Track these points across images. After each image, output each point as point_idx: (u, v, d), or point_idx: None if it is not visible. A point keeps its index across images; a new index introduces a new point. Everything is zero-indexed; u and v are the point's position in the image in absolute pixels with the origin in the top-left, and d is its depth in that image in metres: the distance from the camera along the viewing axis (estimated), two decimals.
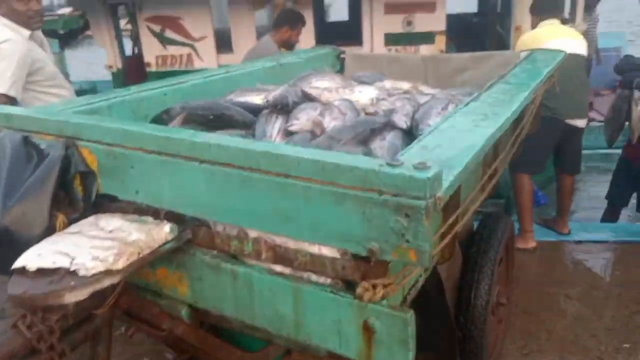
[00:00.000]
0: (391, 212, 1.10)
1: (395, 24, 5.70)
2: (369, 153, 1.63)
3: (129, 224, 1.43)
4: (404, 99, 2.14)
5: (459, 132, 1.52)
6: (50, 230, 1.50)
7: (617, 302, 3.17)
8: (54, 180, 1.51)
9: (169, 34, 6.12)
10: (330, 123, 1.95)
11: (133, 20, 6.64)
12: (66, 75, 9.61)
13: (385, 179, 1.09)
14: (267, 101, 2.06)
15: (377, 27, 5.77)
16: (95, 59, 7.03)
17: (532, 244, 3.77)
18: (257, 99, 2.37)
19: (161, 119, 2.21)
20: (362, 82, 2.71)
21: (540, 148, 3.57)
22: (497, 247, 2.24)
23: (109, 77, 6.99)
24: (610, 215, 4.52)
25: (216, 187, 1.34)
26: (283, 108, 2.08)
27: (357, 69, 3.53)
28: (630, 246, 3.87)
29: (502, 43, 6.84)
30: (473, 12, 8.74)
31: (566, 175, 3.96)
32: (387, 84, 2.65)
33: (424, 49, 5.68)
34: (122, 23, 7.54)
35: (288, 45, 4.25)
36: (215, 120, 2.14)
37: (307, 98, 2.22)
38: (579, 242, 3.94)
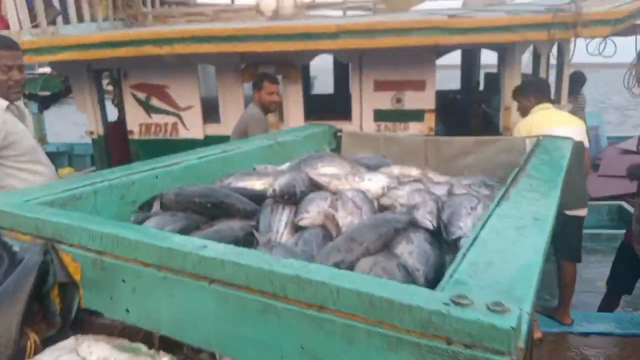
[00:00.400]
0: None
1: (385, 100, 5.69)
2: (397, 262, 1.40)
3: (117, 353, 1.16)
4: (422, 192, 1.96)
5: (507, 244, 1.32)
6: (19, 354, 1.22)
7: None
8: (28, 292, 1.24)
9: (155, 102, 5.98)
10: (345, 218, 1.74)
11: (117, 86, 6.51)
12: (43, 137, 9.37)
13: (455, 325, 0.87)
14: (274, 191, 1.85)
15: (367, 104, 5.74)
16: (81, 119, 6.83)
17: (538, 335, 3.56)
18: (257, 184, 2.17)
19: (151, 205, 1.98)
20: (366, 166, 2.54)
21: None
22: None
23: (89, 139, 6.76)
24: (610, 301, 4.34)
25: (229, 313, 1.09)
26: (290, 198, 1.88)
27: (354, 147, 3.39)
28: (637, 339, 3.68)
29: (489, 122, 6.90)
30: (456, 89, 8.91)
31: (568, 263, 3.83)
32: (395, 170, 2.48)
33: (414, 127, 5.65)
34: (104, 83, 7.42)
35: (265, 107, 4.16)
36: (213, 209, 1.92)
37: (315, 186, 2.02)
38: (585, 334, 3.74)
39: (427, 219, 1.69)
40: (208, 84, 6.93)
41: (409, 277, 1.36)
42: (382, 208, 2.02)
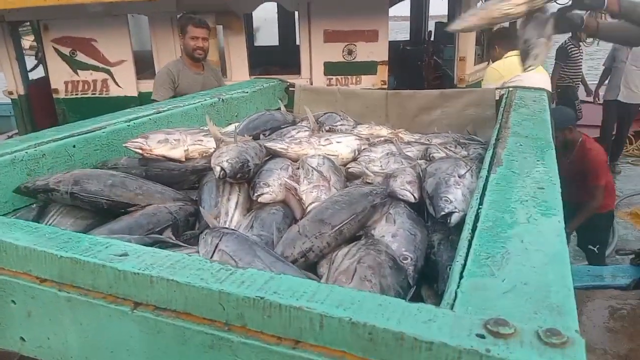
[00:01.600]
0: None
1: (336, 52, 5.32)
2: (385, 254, 1.11)
3: None
4: (397, 157, 1.67)
5: (518, 224, 1.06)
6: None
7: None
8: None
9: (81, 57, 5.35)
10: (309, 193, 1.43)
11: (39, 40, 5.81)
12: None
13: None
14: (223, 171, 1.47)
15: (316, 56, 5.35)
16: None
17: None
18: (175, 152, 1.77)
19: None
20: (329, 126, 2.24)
21: None
22: None
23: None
24: None
25: (162, 349, 0.78)
26: (243, 176, 1.53)
27: (308, 103, 3.06)
28: (597, 292, 3.64)
29: (441, 73, 6.69)
30: (406, 40, 8.62)
31: None
32: (363, 129, 2.18)
33: (366, 80, 5.33)
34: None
35: (189, 54, 3.70)
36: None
37: (271, 154, 1.69)
38: None
39: (407, 190, 1.41)
40: (141, 35, 6.31)
41: (400, 272, 1.07)
42: (352, 177, 1.73)
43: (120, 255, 0.80)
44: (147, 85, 5.43)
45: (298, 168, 1.60)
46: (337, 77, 5.37)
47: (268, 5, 6.35)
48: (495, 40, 3.65)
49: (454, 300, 0.77)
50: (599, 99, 7.07)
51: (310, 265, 1.21)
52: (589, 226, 3.96)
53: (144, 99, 5.05)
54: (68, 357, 0.87)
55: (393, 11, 8.45)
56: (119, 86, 5.44)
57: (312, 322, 0.67)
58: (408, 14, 8.59)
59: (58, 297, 0.83)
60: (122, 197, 1.46)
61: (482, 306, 0.73)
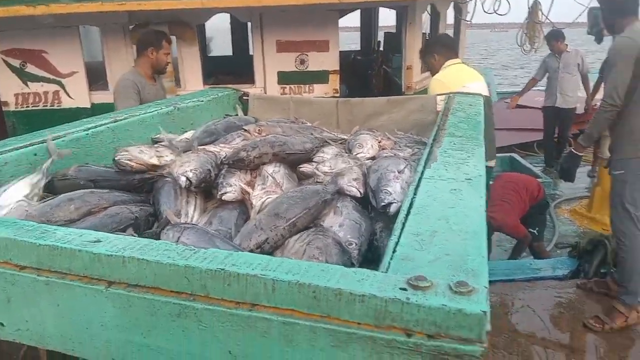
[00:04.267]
0: None
1: (288, 62, 5.47)
2: (332, 238, 1.25)
3: None
4: (345, 157, 1.82)
5: (446, 208, 1.21)
6: None
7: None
8: None
9: (31, 69, 5.29)
10: (261, 198, 1.54)
11: None
12: None
13: (415, 313, 0.74)
14: (188, 181, 1.57)
15: (270, 65, 5.49)
16: None
17: None
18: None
19: None
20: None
21: None
22: None
23: None
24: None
25: (134, 321, 0.88)
26: (206, 185, 1.65)
27: (263, 112, 3.18)
28: (537, 283, 3.89)
29: (390, 81, 6.94)
30: (356, 50, 8.87)
31: None
32: (316, 133, 2.32)
33: (318, 89, 5.51)
34: None
35: (159, 68, 3.79)
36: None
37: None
38: (491, 282, 3.88)
39: (353, 187, 1.56)
40: (92, 47, 6.28)
41: (345, 253, 1.21)
42: (304, 177, 1.86)
43: (93, 242, 0.91)
44: (100, 97, 5.43)
45: (256, 176, 1.72)
46: (291, 85, 5.53)
47: (221, 16, 6.45)
48: (435, 48, 3.75)
49: (387, 269, 0.91)
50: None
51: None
52: (527, 217, 4.26)
53: (97, 110, 5.04)
54: (45, 337, 0.96)
55: (344, 22, 8.70)
56: (70, 97, 5.41)
57: (265, 287, 0.80)
58: (359, 24, 8.86)
59: (37, 281, 0.92)
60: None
61: (409, 272, 0.87)
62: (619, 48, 2.97)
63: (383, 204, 1.42)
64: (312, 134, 2.26)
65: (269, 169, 1.68)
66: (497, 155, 7.16)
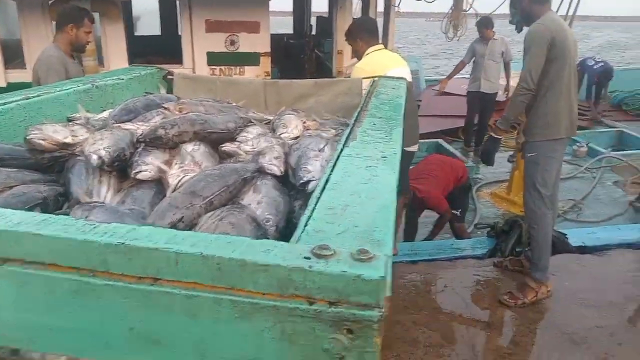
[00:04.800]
0: (326, 327, 0.76)
1: (218, 43, 5.36)
2: (246, 214, 1.25)
3: None
4: (268, 136, 1.81)
5: (360, 184, 1.24)
6: None
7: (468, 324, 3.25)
8: None
9: None
10: (177, 176, 1.50)
11: None
12: None
13: (318, 281, 0.75)
14: (101, 161, 1.50)
15: (199, 46, 5.35)
16: None
17: None
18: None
19: None
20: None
21: None
22: None
23: None
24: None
25: (31, 300, 0.84)
26: (119, 165, 1.58)
27: (188, 92, 3.10)
28: (458, 262, 4.08)
29: (322, 65, 6.96)
30: (289, 33, 8.81)
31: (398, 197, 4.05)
32: (240, 113, 2.29)
33: (250, 71, 5.44)
34: None
35: (78, 46, 3.63)
36: None
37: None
38: (413, 262, 4.02)
39: (274, 165, 1.56)
40: (8, 22, 5.86)
41: (260, 229, 1.21)
42: (226, 156, 1.83)
43: None
44: (16, 75, 5.09)
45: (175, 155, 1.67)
46: (221, 67, 5.42)
47: None
48: (359, 33, 3.73)
49: (297, 241, 0.92)
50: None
51: None
52: (450, 199, 4.43)
53: (13, 89, 4.71)
54: None
55: (277, 6, 8.61)
56: None
57: (168, 260, 0.78)
58: (292, 8, 8.80)
59: None
60: None
61: (314, 240, 0.89)
62: (533, 34, 3.12)
63: (302, 181, 1.44)
64: (236, 113, 2.23)
65: (189, 147, 1.64)
66: (424, 140, 7.42)
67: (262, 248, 0.80)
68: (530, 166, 3.32)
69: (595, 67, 10.04)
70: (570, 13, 5.31)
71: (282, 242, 0.84)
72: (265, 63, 5.44)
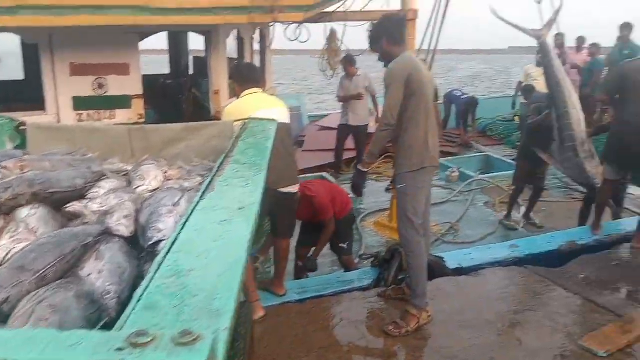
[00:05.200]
0: None
1: (85, 86, 5.07)
2: (76, 291, 1.12)
3: None
4: (119, 192, 1.69)
5: (211, 242, 1.17)
6: None
7: None
8: None
9: None
10: (7, 249, 1.34)
11: None
12: None
13: None
14: None
15: (63, 90, 5.02)
16: None
17: (260, 313, 3.64)
18: None
19: None
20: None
21: None
22: (244, 339, 1.96)
23: None
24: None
25: None
26: None
27: (44, 144, 2.86)
28: (344, 296, 4.09)
29: (200, 106, 6.84)
30: (166, 73, 8.60)
31: (281, 239, 4.03)
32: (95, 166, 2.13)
33: (121, 115, 5.19)
34: None
35: None
36: None
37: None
38: (301, 300, 3.99)
39: (122, 225, 1.44)
40: None
41: (93, 306, 1.09)
42: (72, 217, 1.67)
43: None
44: None
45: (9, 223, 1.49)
46: (89, 111, 5.12)
47: (11, 36, 5.74)
48: (235, 77, 3.79)
49: (124, 324, 0.83)
50: None
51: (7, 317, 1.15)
52: (335, 231, 4.49)
53: None
54: None
55: (153, 44, 8.40)
56: None
57: None
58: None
59: None
60: None
61: (146, 324, 0.81)
62: (391, 72, 3.31)
63: (151, 242, 1.34)
64: (89, 167, 2.07)
65: (23, 212, 1.48)
66: (309, 175, 7.52)
67: (69, 342, 0.70)
68: (401, 197, 3.46)
69: (462, 97, 11.00)
70: (433, 48, 5.72)
71: (95, 333, 0.75)
72: (138, 105, 5.22)
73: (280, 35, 6.17)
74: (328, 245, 4.70)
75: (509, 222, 6.37)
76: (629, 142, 4.69)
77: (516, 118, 10.50)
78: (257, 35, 6.41)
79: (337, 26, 5.78)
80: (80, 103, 5.06)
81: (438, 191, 7.64)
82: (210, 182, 1.64)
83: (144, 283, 0.99)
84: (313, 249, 4.56)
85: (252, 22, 4.90)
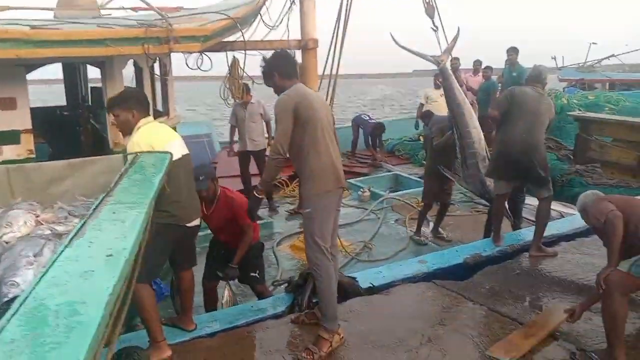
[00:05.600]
0: None
1: None
2: None
3: None
4: None
5: (65, 298, 1.08)
6: None
7: None
8: None
9: None
10: None
11: None
12: None
13: None
14: None
15: None
16: None
17: (167, 353, 3.46)
18: None
19: None
20: None
21: (161, 254, 3.47)
22: None
23: None
24: (210, 293, 4.66)
25: None
26: None
27: None
28: (257, 326, 3.98)
29: (99, 138, 6.52)
30: (62, 105, 8.13)
31: (187, 271, 3.89)
32: None
33: (10, 151, 4.80)
34: None
35: None
36: None
37: None
38: (212, 334, 3.85)
39: None
40: None
41: None
42: None
43: None
44: None
45: None
46: None
47: None
48: (132, 105, 3.56)
49: None
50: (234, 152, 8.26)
51: None
52: (244, 261, 4.41)
53: None
54: None
55: (46, 74, 7.91)
56: None
57: None
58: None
59: None
60: None
61: None
62: (279, 104, 3.41)
63: (6, 299, 1.21)
64: None
65: None
66: None
67: None
68: (307, 221, 3.46)
69: (370, 121, 11.49)
70: (334, 72, 5.85)
71: None
72: (28, 140, 4.87)
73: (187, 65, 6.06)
74: (237, 280, 4.62)
75: (419, 238, 6.58)
76: (517, 158, 5.03)
77: (420, 137, 11.00)
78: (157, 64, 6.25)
79: (239, 54, 5.73)
80: None
81: (351, 210, 7.79)
82: (80, 227, 1.53)
83: None
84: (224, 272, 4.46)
85: (147, 52, 4.74)
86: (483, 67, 11.30)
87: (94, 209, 1.73)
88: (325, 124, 3.45)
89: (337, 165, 3.49)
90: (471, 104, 6.88)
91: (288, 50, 3.90)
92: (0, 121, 4.82)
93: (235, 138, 8.09)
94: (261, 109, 7.87)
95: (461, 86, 6.73)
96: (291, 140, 3.36)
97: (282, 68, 3.53)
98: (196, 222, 3.77)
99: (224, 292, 4.64)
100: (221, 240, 4.68)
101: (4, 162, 4.16)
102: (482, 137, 6.24)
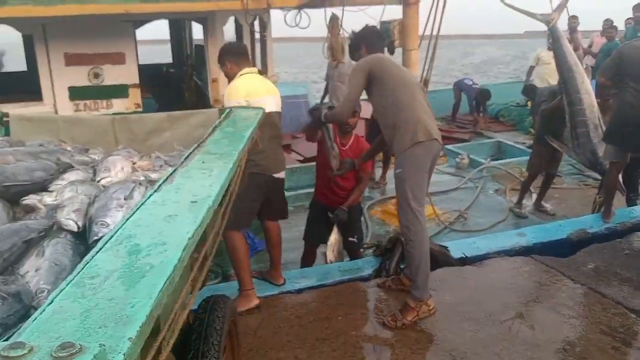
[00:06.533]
0: None
1: (80, 76, 5.00)
2: (10, 290, 1.04)
3: None
4: (75, 185, 1.60)
5: (147, 238, 1.08)
6: None
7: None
8: None
9: None
10: None
11: None
12: None
13: None
14: None
15: (59, 80, 4.97)
16: None
17: (255, 302, 3.56)
18: None
19: None
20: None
21: (250, 203, 3.51)
22: (219, 334, 1.87)
23: None
24: (309, 255, 4.60)
25: None
26: None
27: (29, 134, 2.81)
28: (343, 286, 3.99)
29: (201, 94, 6.76)
30: (168, 62, 8.52)
31: (273, 223, 3.93)
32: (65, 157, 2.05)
33: (118, 104, 5.12)
34: None
35: None
36: None
37: None
38: (299, 290, 3.90)
39: (71, 220, 1.36)
40: None
41: (19, 306, 1.01)
42: (29, 210, 1.59)
43: None
44: None
45: None
46: (85, 101, 5.06)
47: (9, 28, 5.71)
48: (227, 57, 3.67)
49: (26, 329, 0.75)
50: None
51: None
52: (348, 220, 4.31)
53: None
54: None
55: (154, 34, 8.32)
56: None
57: None
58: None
59: None
60: None
61: (45, 330, 0.72)
62: (355, 66, 3.52)
63: (95, 238, 1.25)
64: (58, 158, 1.99)
65: None
66: (302, 165, 7.34)
67: None
68: (399, 183, 3.32)
69: (473, 86, 10.84)
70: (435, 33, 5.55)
71: None
72: (135, 95, 5.15)
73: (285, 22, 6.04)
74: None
75: (519, 210, 6.20)
76: (635, 122, 4.52)
77: (529, 103, 10.24)
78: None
79: (337, 11, 5.60)
80: (76, 93, 5.00)
81: (447, 178, 7.49)
82: (171, 174, 1.54)
83: (62, 285, 0.90)
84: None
85: (246, 8, 4.77)
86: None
87: (186, 158, 1.75)
88: (407, 81, 3.40)
89: (424, 118, 3.30)
90: (585, 69, 6.24)
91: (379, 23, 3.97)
92: (110, 75, 5.13)
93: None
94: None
95: (576, 50, 6.08)
96: (374, 102, 3.43)
97: (369, 40, 3.62)
98: (281, 175, 3.80)
99: (331, 237, 4.52)
100: (322, 202, 4.48)
101: (114, 114, 4.41)
102: (595, 103, 5.63)
